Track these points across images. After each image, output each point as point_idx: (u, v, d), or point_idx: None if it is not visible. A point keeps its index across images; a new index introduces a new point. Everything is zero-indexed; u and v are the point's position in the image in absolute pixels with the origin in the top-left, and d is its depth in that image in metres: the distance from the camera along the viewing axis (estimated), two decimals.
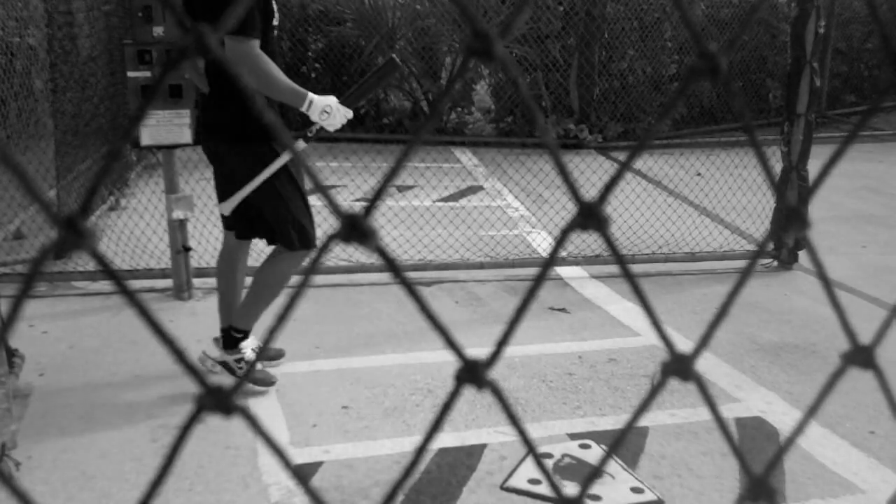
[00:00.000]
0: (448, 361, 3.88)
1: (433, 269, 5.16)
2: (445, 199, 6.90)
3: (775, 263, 5.54)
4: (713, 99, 10.04)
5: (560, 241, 0.47)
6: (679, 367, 0.50)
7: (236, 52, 3.11)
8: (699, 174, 6.62)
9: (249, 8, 3.13)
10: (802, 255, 5.51)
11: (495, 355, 0.48)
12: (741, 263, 5.51)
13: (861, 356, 0.56)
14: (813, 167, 5.49)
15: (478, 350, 4.08)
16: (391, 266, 0.46)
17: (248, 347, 3.56)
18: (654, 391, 0.51)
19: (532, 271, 5.23)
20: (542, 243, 5.81)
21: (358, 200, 6.67)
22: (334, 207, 0.45)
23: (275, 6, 3.36)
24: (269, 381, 3.59)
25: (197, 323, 4.27)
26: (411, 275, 5.06)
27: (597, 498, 2.92)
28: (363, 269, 4.97)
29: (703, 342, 0.52)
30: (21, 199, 5.26)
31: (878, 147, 9.80)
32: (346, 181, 7.04)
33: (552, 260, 0.48)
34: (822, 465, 3.17)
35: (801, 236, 0.52)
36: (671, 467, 3.13)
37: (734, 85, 0.49)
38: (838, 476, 3.10)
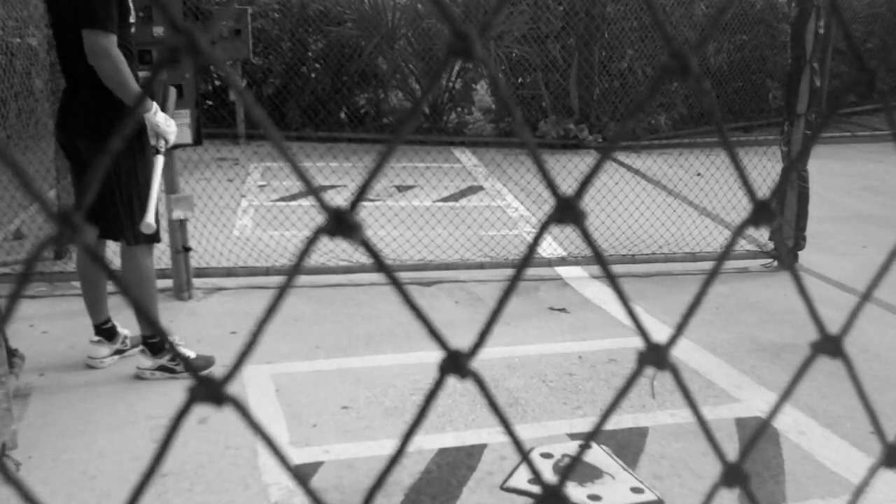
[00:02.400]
0: None
1: (433, 269, 5.16)
2: (445, 199, 6.90)
3: (775, 263, 5.54)
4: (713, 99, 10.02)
5: (539, 235, 0.48)
6: (654, 356, 0.51)
7: (95, 45, 3.14)
8: (699, 174, 6.61)
9: (107, 3, 3.17)
10: (802, 255, 5.52)
11: (478, 345, 0.49)
12: (741, 263, 5.51)
13: (829, 345, 0.58)
14: (813, 167, 5.49)
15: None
16: (376, 259, 0.47)
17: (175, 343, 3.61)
18: (631, 381, 0.52)
19: (532, 271, 5.23)
20: (542, 243, 5.81)
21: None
22: (320, 202, 0.45)
23: (131, 5, 3.38)
24: (209, 363, 3.67)
25: (197, 323, 4.27)
26: (411, 275, 5.06)
27: (597, 498, 2.92)
28: (363, 269, 4.97)
29: (679, 331, 0.53)
30: (21, 199, 5.26)
31: (878, 147, 9.80)
32: (346, 181, 7.04)
33: (533, 250, 0.49)
34: (822, 465, 3.17)
35: (774, 227, 0.55)
36: (671, 467, 3.13)
37: (705, 84, 0.50)
38: (838, 476, 3.10)
